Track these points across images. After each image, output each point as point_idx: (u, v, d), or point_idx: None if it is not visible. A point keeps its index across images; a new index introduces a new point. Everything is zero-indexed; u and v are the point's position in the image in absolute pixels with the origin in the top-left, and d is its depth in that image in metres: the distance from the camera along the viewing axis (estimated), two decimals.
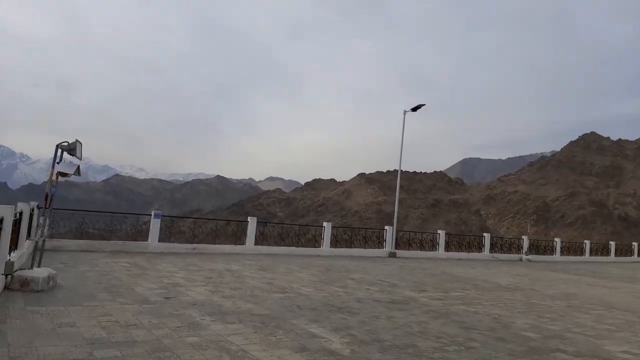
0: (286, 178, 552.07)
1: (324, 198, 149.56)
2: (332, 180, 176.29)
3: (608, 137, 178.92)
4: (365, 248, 23.68)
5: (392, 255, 23.49)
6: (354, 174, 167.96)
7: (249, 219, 20.74)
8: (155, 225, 17.78)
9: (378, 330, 7.43)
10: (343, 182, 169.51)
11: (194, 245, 18.70)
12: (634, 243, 43.57)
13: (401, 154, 25.86)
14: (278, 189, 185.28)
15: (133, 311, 7.35)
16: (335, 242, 22.87)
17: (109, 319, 6.76)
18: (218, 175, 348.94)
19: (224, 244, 20.01)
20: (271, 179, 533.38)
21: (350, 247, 23.39)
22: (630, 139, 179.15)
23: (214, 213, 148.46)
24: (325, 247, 21.94)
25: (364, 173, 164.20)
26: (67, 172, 9.11)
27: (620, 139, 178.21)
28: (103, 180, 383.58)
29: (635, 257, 39.06)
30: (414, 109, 24.99)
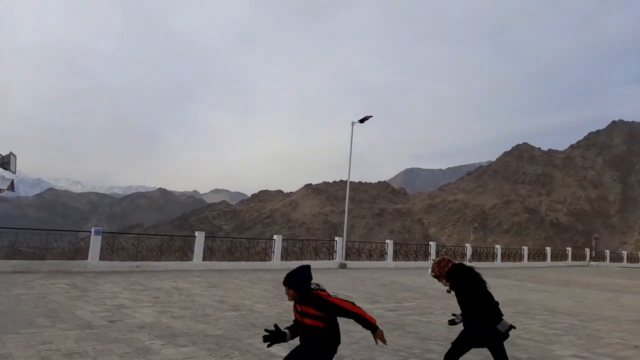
0: (232, 190, 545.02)
1: (271, 210, 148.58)
2: (279, 192, 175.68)
3: (539, 148, 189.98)
4: (316, 260, 23.58)
5: (343, 266, 23.53)
6: (301, 185, 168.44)
7: (196, 233, 20.13)
8: (95, 243, 16.84)
9: None
10: (290, 193, 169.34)
11: (138, 262, 17.88)
12: (568, 248, 46.20)
13: (350, 165, 26.11)
14: (224, 201, 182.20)
15: (75, 337, 6.83)
16: (285, 255, 22.63)
17: (49, 347, 6.23)
18: (160, 188, 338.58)
19: (170, 261, 19.30)
20: (216, 190, 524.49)
21: (301, 259, 23.22)
22: (559, 149, 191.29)
23: (156, 228, 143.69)
24: (276, 260, 21.64)
25: (311, 184, 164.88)
26: (0, 188, 8.41)
27: (550, 149, 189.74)
28: (35, 195, 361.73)
29: (569, 261, 41.36)
30: (362, 121, 25.33)
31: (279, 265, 21.22)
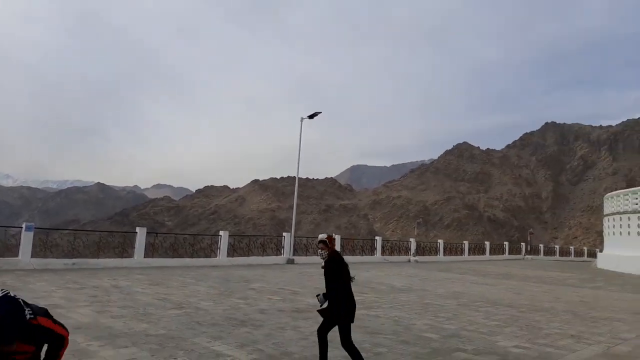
0: (175, 185, 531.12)
1: (217, 205, 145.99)
2: (226, 187, 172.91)
3: (478, 147, 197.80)
4: (263, 256, 23.29)
5: (291, 261, 23.38)
6: (248, 181, 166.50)
7: (137, 229, 19.31)
8: (27, 239, 15.76)
9: (285, 342, 7.15)
10: (237, 188, 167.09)
11: (74, 260, 16.91)
12: (505, 242, 48.34)
13: (299, 161, 25.94)
14: (166, 196, 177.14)
15: None
16: (232, 251, 22.19)
17: None
18: (98, 183, 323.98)
19: (109, 258, 18.40)
20: (159, 186, 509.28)
21: (248, 255, 22.86)
22: (497, 149, 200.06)
23: (94, 224, 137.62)
24: (222, 256, 21.16)
25: (258, 179, 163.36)
26: None
27: (488, 149, 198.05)
28: None
29: (506, 255, 43.31)
30: (311, 116, 25.23)
31: (225, 262, 20.77)
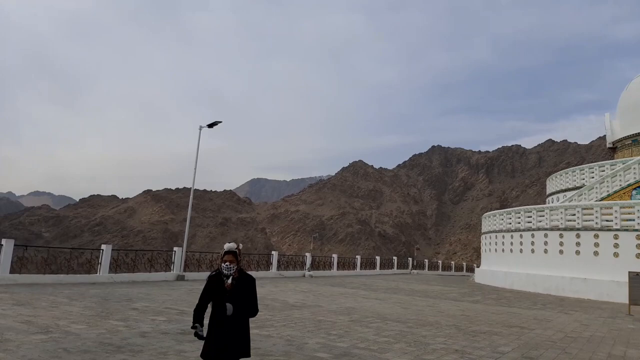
0: (56, 193, 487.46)
1: (103, 216, 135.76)
2: (114, 197, 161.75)
3: (372, 165, 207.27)
4: (150, 272, 21.82)
5: (181, 278, 22.16)
6: (140, 191, 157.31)
7: (3, 241, 17.06)
8: None
9: None
10: (126, 199, 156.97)
11: None
12: (394, 257, 50.56)
13: (195, 171, 24.90)
14: (45, 205, 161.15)
15: None
16: (115, 267, 20.50)
17: None
18: None
19: None
20: (37, 193, 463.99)
21: (134, 271, 21.27)
22: (388, 168, 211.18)
23: None
24: (103, 272, 19.43)
25: (151, 190, 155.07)
26: None
27: (381, 167, 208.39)
28: None
29: (395, 269, 45.26)
30: (211, 125, 24.38)
31: (106, 279, 19.10)
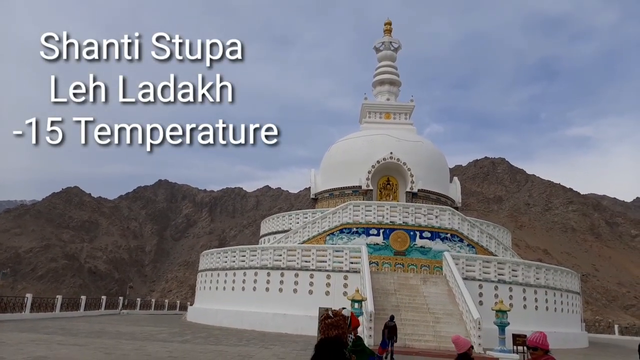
0: None
1: None
2: None
3: (90, 194, 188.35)
4: None
5: None
6: None
7: None
8: None
9: None
10: None
11: None
12: (103, 296, 46.37)
13: None
14: None
15: None
16: None
17: None
18: None
19: None
20: None
21: None
22: (109, 198, 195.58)
23: None
24: None
25: None
26: None
27: (100, 197, 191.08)
28: None
29: (102, 310, 41.38)
30: None
31: None
